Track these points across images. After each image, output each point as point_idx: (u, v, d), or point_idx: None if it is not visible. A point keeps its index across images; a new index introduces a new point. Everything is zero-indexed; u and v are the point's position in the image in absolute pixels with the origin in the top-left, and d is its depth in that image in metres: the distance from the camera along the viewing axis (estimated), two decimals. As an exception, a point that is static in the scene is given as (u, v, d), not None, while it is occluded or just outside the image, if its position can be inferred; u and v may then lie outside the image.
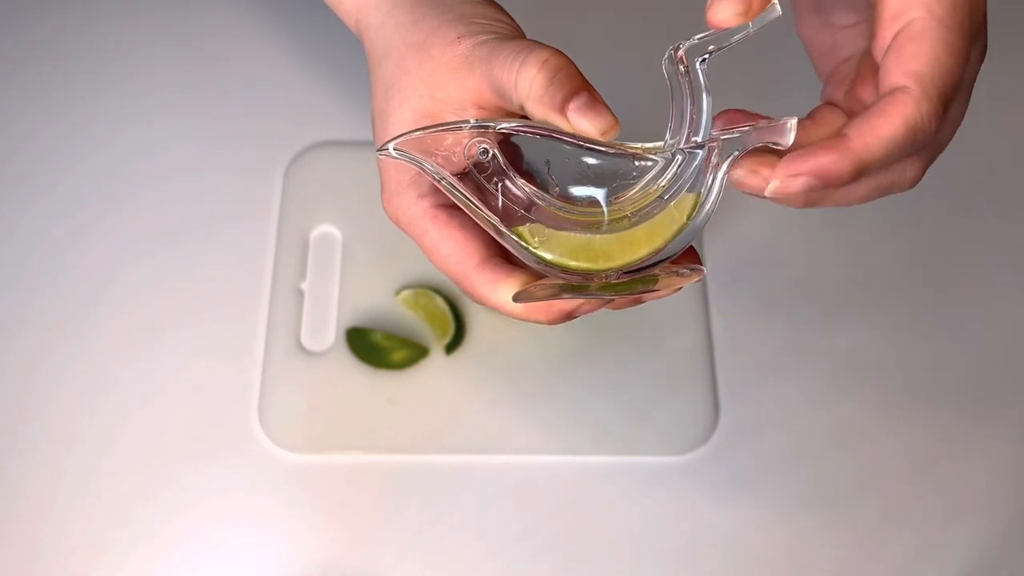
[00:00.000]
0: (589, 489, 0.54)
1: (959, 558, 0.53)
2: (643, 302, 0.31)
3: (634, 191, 0.29)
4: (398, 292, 0.57)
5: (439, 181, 0.29)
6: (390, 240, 0.59)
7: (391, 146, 0.29)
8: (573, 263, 0.29)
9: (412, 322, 0.57)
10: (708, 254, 0.60)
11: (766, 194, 0.28)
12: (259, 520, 0.53)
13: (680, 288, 0.30)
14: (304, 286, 0.58)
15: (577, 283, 0.29)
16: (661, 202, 0.29)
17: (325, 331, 0.57)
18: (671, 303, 0.58)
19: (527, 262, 0.29)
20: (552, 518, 0.53)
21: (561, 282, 0.29)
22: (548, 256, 0.29)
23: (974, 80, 0.31)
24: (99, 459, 0.54)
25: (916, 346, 0.58)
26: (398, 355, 0.55)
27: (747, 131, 0.28)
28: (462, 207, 0.29)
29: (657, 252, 0.29)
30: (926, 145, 0.29)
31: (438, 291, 0.57)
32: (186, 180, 0.61)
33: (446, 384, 0.55)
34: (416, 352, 0.56)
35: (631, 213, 0.29)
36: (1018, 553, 0.53)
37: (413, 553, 0.52)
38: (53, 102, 0.63)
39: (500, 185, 0.29)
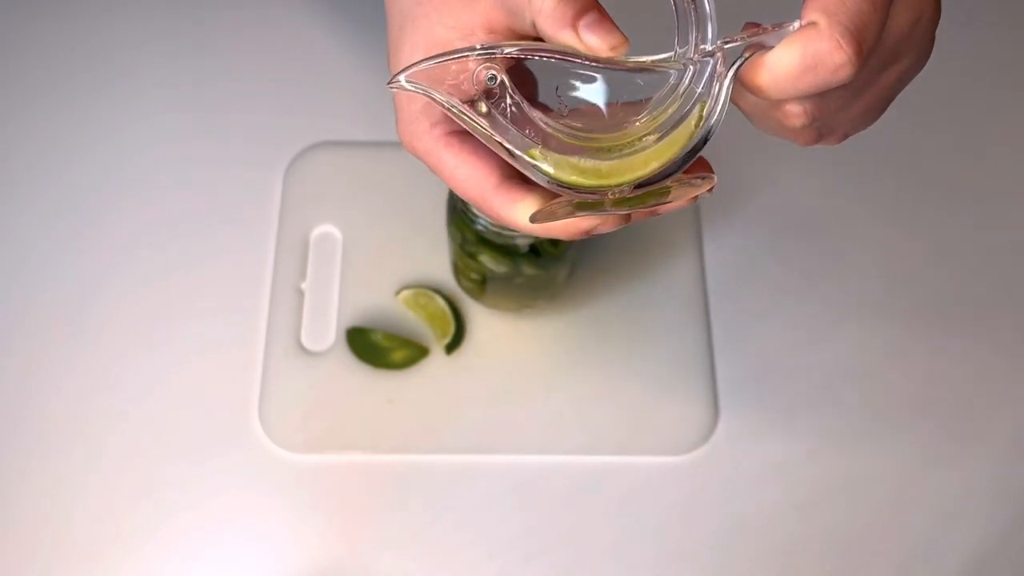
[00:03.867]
0: (588, 489, 0.54)
1: (958, 558, 0.53)
2: (658, 214, 0.31)
3: (645, 110, 0.30)
4: (398, 292, 0.57)
5: (449, 110, 0.29)
6: (390, 240, 0.59)
7: (402, 78, 0.29)
8: (585, 181, 0.30)
9: (412, 322, 0.57)
10: (708, 254, 0.60)
11: None
12: (259, 520, 0.53)
13: (695, 198, 0.30)
14: (304, 286, 0.58)
15: (592, 200, 0.30)
16: (672, 116, 0.29)
17: (325, 331, 0.57)
18: (670, 304, 0.58)
19: (540, 183, 0.30)
20: (552, 518, 0.53)
21: (577, 200, 0.30)
22: (560, 176, 0.30)
23: (921, 48, 0.30)
24: (99, 458, 0.54)
25: (914, 347, 0.58)
26: (398, 355, 0.55)
27: (752, 37, 0.28)
28: (474, 134, 0.30)
29: (668, 165, 0.29)
30: (833, 86, 0.28)
31: (438, 291, 0.57)
32: (187, 180, 0.61)
33: (446, 384, 0.55)
34: (416, 352, 0.56)
35: (644, 132, 0.29)
36: (1016, 553, 0.53)
37: (413, 552, 0.52)
38: (53, 101, 0.63)
39: (510, 111, 0.29)
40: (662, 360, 0.57)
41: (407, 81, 0.29)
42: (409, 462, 0.54)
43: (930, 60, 0.31)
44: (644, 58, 0.29)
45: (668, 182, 0.30)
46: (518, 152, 0.29)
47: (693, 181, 0.30)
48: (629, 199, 0.30)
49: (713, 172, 0.31)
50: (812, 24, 0.27)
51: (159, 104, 0.64)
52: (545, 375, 0.56)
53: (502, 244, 0.48)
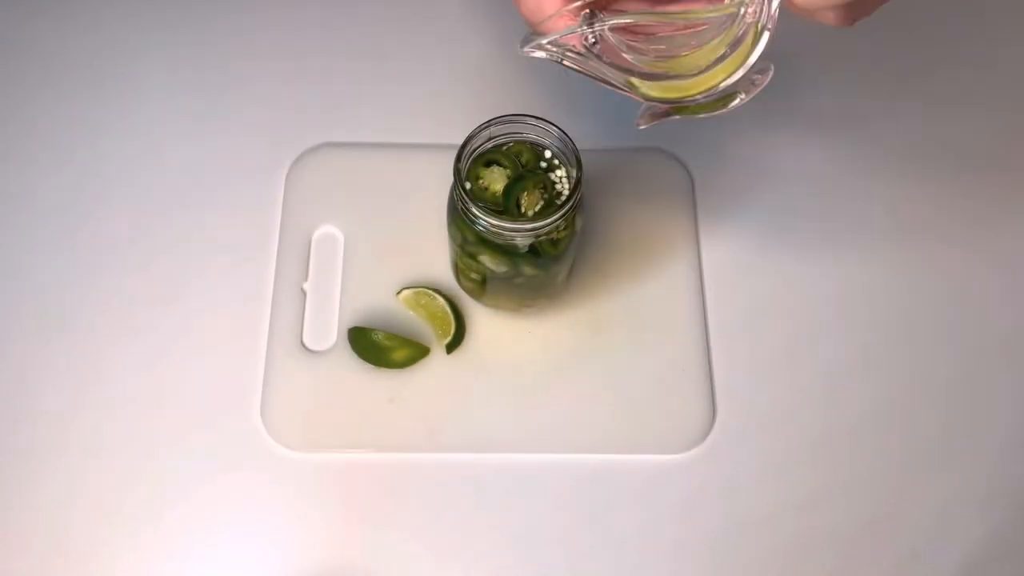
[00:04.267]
0: (587, 487, 0.54)
1: (956, 557, 0.54)
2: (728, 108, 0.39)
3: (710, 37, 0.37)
4: (399, 292, 0.58)
5: (567, 59, 0.37)
6: (391, 240, 0.60)
7: (537, 45, 0.36)
8: (672, 95, 0.38)
9: (413, 322, 0.57)
10: (706, 254, 0.60)
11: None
12: (261, 518, 0.53)
13: (760, 89, 0.38)
14: (306, 286, 0.58)
15: (679, 106, 0.39)
16: (731, 40, 0.36)
17: (327, 330, 0.57)
18: (668, 303, 0.58)
19: (640, 100, 0.38)
20: (551, 516, 0.54)
21: (666, 107, 0.39)
22: (651, 94, 0.38)
23: None
24: (100, 457, 0.54)
25: (913, 347, 0.58)
26: (399, 354, 0.56)
27: None
28: (585, 72, 0.37)
29: (732, 75, 0.37)
30: None
31: (439, 291, 0.57)
32: (189, 181, 0.62)
33: (447, 383, 0.56)
34: (417, 351, 0.56)
35: (713, 55, 0.36)
36: (1014, 553, 0.54)
37: (413, 551, 0.53)
38: (54, 102, 0.64)
39: (606, 57, 0.37)
40: (660, 359, 0.57)
41: (540, 48, 0.36)
42: (410, 461, 0.54)
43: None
44: (710, 13, 0.36)
45: (735, 87, 0.37)
46: (619, 84, 0.37)
47: (754, 78, 0.37)
48: (705, 105, 0.38)
49: (770, 65, 0.37)
50: None
51: (161, 105, 0.64)
52: (545, 374, 0.56)
53: (502, 244, 0.48)
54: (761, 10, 0.35)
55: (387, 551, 0.53)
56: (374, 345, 0.56)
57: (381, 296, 0.58)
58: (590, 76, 0.37)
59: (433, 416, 0.55)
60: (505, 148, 0.48)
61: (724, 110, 0.38)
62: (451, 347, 0.56)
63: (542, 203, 0.47)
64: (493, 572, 0.52)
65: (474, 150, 0.48)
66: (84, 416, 0.55)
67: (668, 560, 0.53)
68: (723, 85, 0.37)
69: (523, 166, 0.48)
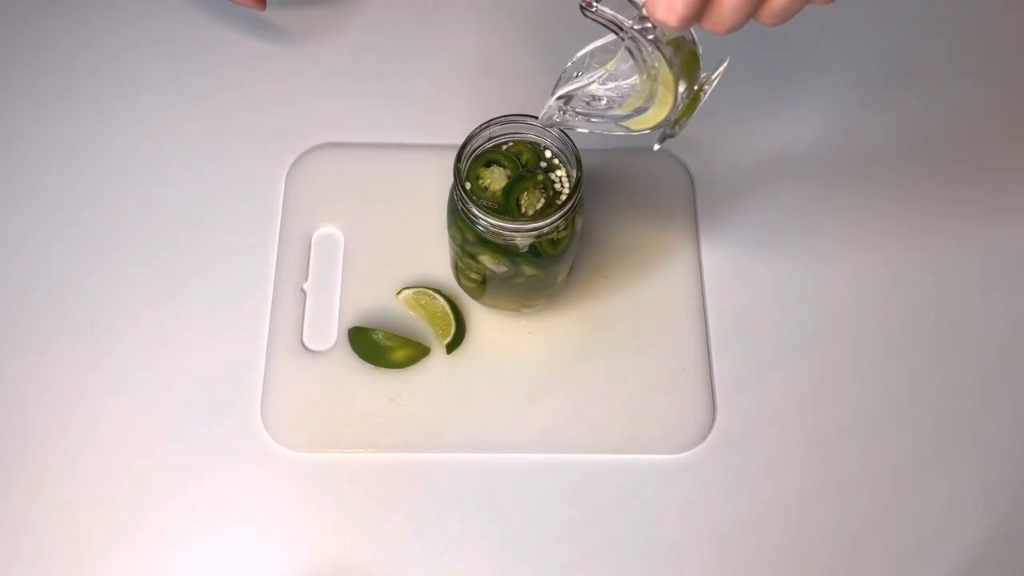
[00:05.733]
0: (588, 487, 0.54)
1: (953, 556, 0.54)
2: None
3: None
4: (399, 292, 0.58)
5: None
6: (391, 241, 0.60)
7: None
8: (650, 125, 0.42)
9: (413, 322, 0.57)
10: (705, 254, 0.60)
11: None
12: (261, 518, 0.53)
13: (718, 79, 0.41)
14: (306, 286, 0.58)
15: (664, 128, 0.43)
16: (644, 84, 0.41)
17: (327, 330, 0.57)
18: (668, 303, 0.58)
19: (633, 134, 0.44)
20: (551, 516, 0.54)
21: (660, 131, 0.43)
22: (636, 129, 0.43)
23: None
24: (100, 456, 0.54)
25: (911, 348, 0.58)
26: (399, 354, 0.56)
27: None
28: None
29: (679, 94, 0.41)
30: None
31: (439, 291, 0.57)
32: (190, 182, 0.62)
33: (447, 383, 0.56)
34: (417, 351, 0.56)
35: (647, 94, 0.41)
36: (1012, 553, 0.54)
37: (414, 550, 0.53)
38: (56, 103, 0.64)
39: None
40: (660, 359, 0.57)
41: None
42: (410, 460, 0.55)
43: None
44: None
45: (689, 93, 0.41)
46: (613, 132, 0.43)
47: (713, 77, 0.41)
48: (683, 112, 0.42)
49: (726, 56, 0.41)
50: None
51: (162, 107, 0.64)
52: (544, 374, 0.56)
53: (502, 244, 0.48)
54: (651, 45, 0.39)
55: (387, 551, 0.53)
56: (374, 345, 0.56)
57: (381, 296, 0.58)
58: (590, 130, 0.44)
59: (433, 416, 0.55)
60: (505, 148, 0.48)
61: (696, 111, 0.42)
62: (451, 347, 0.56)
63: (542, 203, 0.47)
64: (493, 572, 0.52)
65: (474, 150, 0.48)
66: (84, 416, 0.55)
67: (668, 560, 0.53)
68: (678, 100, 0.41)
69: (523, 166, 0.48)
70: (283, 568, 0.52)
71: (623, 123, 0.43)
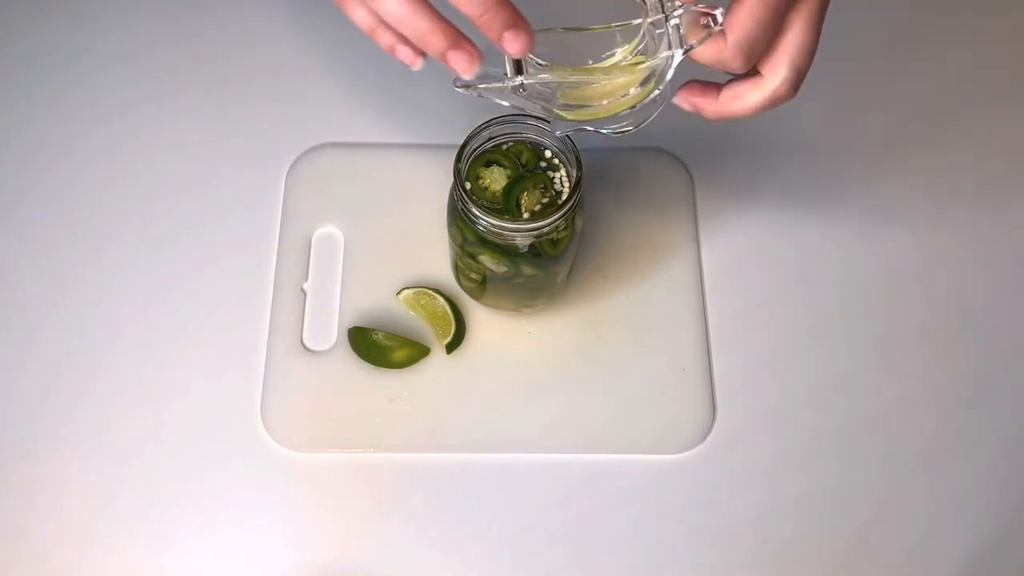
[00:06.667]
0: (587, 487, 0.54)
1: (954, 555, 0.54)
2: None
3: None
4: (399, 292, 0.58)
5: (488, 92, 0.40)
6: (391, 241, 0.60)
7: (465, 85, 0.40)
8: (585, 118, 0.42)
9: (413, 321, 0.57)
10: (705, 255, 0.60)
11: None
12: (261, 518, 0.53)
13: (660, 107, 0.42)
14: (306, 286, 0.58)
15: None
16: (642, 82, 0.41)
17: (327, 330, 0.57)
18: (668, 304, 0.58)
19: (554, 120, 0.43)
20: (551, 516, 0.54)
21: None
22: (569, 118, 0.42)
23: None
24: (100, 456, 0.54)
25: (911, 347, 0.58)
26: (399, 354, 0.56)
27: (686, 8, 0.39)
28: (509, 102, 0.41)
29: (633, 107, 0.41)
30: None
31: (439, 291, 0.57)
32: (189, 181, 0.62)
33: (447, 383, 0.56)
34: (417, 351, 0.56)
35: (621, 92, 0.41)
36: (1012, 552, 0.54)
37: (414, 550, 0.53)
38: (56, 103, 0.64)
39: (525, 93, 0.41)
40: (660, 359, 0.57)
41: (465, 87, 0.40)
42: (410, 460, 0.55)
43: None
44: (625, 77, 0.41)
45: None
46: (537, 113, 0.42)
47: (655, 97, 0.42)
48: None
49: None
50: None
51: (162, 107, 0.64)
52: (544, 374, 0.56)
53: (502, 244, 0.48)
54: (667, 62, 0.40)
55: (387, 551, 0.53)
56: (374, 345, 0.56)
57: (381, 296, 0.58)
58: (512, 104, 0.41)
59: (433, 416, 0.55)
60: (505, 148, 0.48)
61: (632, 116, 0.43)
62: (451, 347, 0.56)
63: (542, 203, 0.47)
64: (493, 572, 0.52)
65: (474, 150, 0.48)
66: (83, 416, 0.55)
67: (668, 560, 0.53)
68: (624, 113, 0.42)
69: (523, 166, 0.48)
70: (283, 568, 0.52)
71: (562, 111, 0.42)
